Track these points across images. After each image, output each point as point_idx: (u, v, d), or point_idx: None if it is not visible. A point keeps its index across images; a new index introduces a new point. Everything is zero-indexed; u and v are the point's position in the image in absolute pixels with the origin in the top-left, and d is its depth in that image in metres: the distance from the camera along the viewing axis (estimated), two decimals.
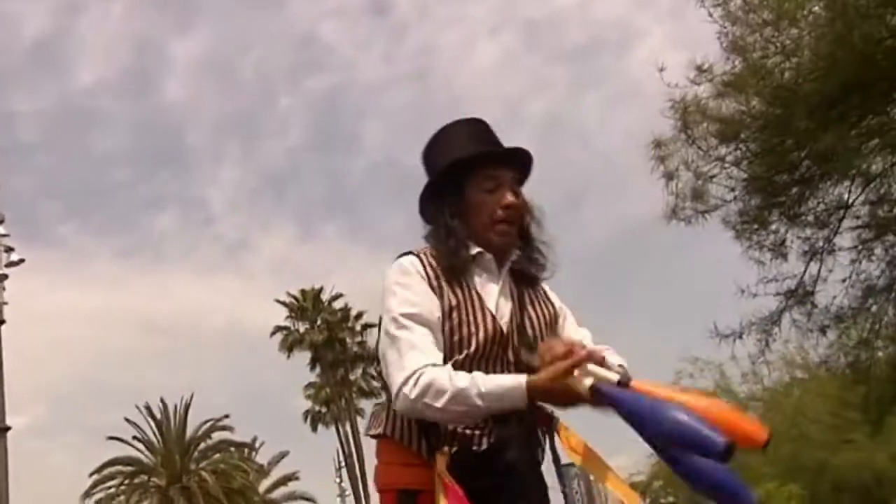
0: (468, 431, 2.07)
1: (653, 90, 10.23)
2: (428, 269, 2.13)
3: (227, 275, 70.32)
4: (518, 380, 1.95)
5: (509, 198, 2.17)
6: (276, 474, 34.97)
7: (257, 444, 33.82)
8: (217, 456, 32.18)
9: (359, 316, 36.32)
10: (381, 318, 2.14)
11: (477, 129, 2.26)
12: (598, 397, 1.93)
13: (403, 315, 2.05)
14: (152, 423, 31.29)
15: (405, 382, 1.97)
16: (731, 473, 1.83)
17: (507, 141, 2.29)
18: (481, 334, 2.09)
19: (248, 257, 71.97)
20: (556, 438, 2.19)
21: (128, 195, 67.44)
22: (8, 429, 18.03)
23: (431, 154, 2.27)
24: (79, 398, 62.09)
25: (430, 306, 2.07)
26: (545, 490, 2.22)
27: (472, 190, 2.17)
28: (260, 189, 67.17)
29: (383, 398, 2.23)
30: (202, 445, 32.17)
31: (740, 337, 11.26)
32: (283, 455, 34.75)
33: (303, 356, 35.45)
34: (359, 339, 36.28)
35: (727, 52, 9.60)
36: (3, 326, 17.78)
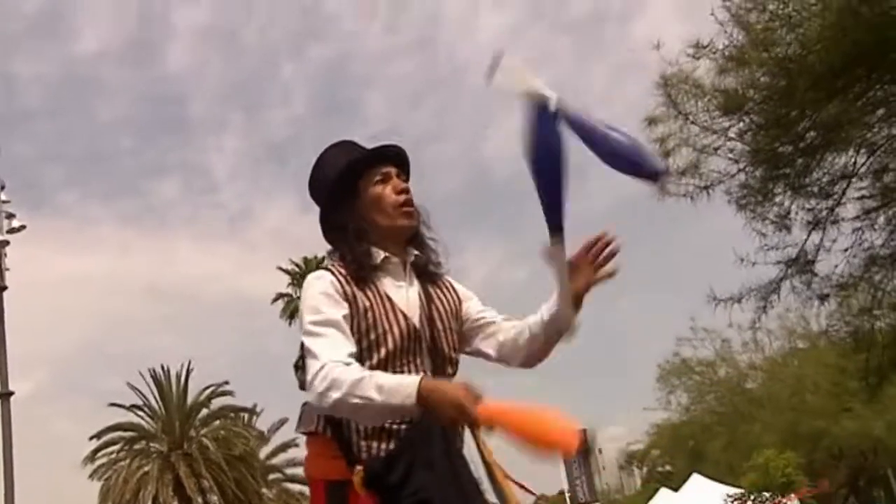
0: (379, 453, 2.16)
1: (656, 60, 10.17)
2: (339, 278, 2.27)
3: (229, 243, 70.46)
4: (413, 377, 2.06)
5: (401, 184, 2.37)
6: (276, 441, 35.22)
7: (258, 411, 34.00)
8: (218, 422, 32.31)
9: None
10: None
11: (351, 145, 2.46)
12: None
13: (312, 323, 2.20)
14: (154, 389, 31.42)
15: (314, 378, 2.10)
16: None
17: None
18: (396, 331, 2.22)
19: (251, 226, 72.06)
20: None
21: (131, 163, 67.42)
22: (11, 394, 18.09)
23: (318, 179, 2.43)
24: (81, 364, 62.41)
25: (338, 309, 2.21)
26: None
27: (366, 190, 2.35)
28: (262, 158, 67.16)
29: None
30: (203, 412, 32.31)
31: (738, 302, 11.30)
32: (282, 422, 34.82)
33: None
34: None
35: (729, 26, 9.52)
36: (5, 293, 17.77)
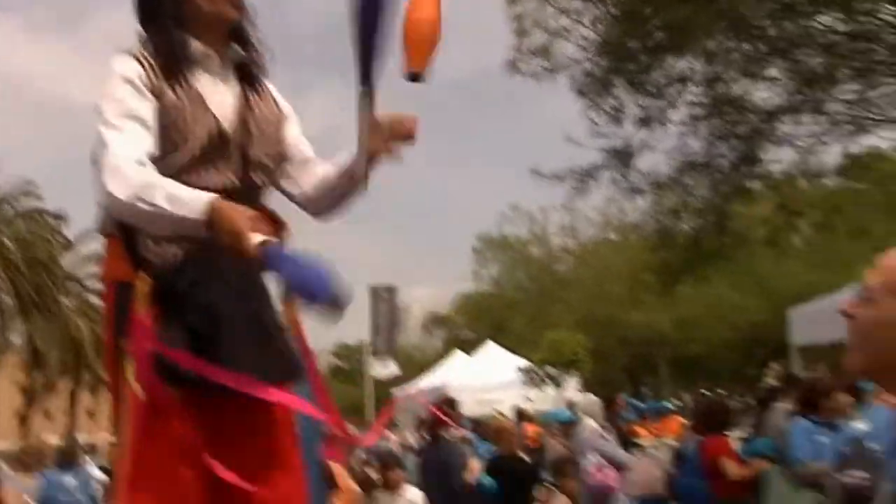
0: (171, 258, 2.05)
1: None
2: (146, 68, 2.05)
3: (58, 39, 65.88)
4: (206, 195, 1.90)
5: None
6: (81, 253, 34.13)
7: (66, 216, 32.65)
8: (22, 223, 30.94)
9: None
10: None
11: None
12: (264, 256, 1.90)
13: (112, 114, 2.00)
14: None
15: (102, 173, 1.94)
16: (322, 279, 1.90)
17: None
18: (201, 132, 2.06)
19: (84, 24, 67.50)
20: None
21: None
22: None
23: None
24: None
25: (142, 101, 2.02)
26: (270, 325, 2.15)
27: None
28: None
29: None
30: (8, 210, 30.79)
31: (560, 180, 11.87)
32: (90, 232, 33.78)
33: None
34: None
35: None
36: None
